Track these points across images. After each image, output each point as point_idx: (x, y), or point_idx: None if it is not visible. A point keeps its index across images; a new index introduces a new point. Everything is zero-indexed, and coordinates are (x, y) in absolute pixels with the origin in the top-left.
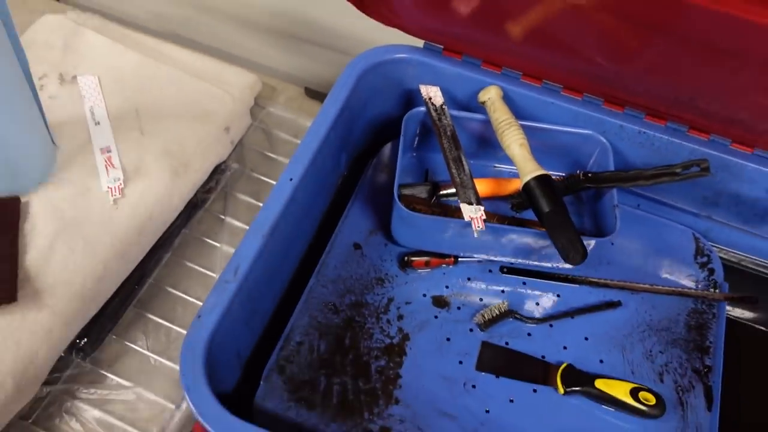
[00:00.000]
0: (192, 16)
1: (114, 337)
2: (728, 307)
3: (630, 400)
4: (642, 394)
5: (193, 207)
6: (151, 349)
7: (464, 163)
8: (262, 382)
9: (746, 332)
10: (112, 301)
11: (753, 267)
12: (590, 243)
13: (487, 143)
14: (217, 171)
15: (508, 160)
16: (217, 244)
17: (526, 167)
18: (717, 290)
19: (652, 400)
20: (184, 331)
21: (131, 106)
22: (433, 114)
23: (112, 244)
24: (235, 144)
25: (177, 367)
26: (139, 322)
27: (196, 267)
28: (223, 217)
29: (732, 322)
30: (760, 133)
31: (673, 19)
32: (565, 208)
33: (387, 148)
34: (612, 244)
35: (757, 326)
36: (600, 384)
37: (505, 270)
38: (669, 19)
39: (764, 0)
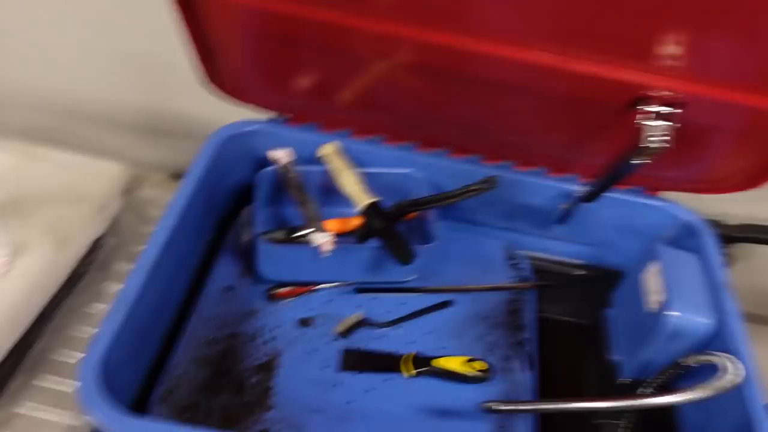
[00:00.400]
0: (59, 125)
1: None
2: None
3: (464, 369)
4: (474, 363)
5: (76, 277)
6: (40, 408)
7: (311, 203)
8: (151, 410)
9: (551, 323)
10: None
11: (553, 265)
12: (420, 249)
13: (332, 192)
14: (96, 246)
15: (351, 205)
16: (103, 305)
17: (360, 198)
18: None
19: (484, 366)
20: (71, 390)
21: (12, 198)
22: (281, 170)
23: (3, 311)
24: (110, 220)
25: (64, 419)
26: (28, 384)
27: (79, 335)
28: (104, 284)
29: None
30: (534, 155)
31: (457, 66)
32: (394, 224)
33: (247, 210)
34: (442, 257)
35: (558, 317)
36: (440, 362)
37: (358, 290)
38: (453, 67)
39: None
